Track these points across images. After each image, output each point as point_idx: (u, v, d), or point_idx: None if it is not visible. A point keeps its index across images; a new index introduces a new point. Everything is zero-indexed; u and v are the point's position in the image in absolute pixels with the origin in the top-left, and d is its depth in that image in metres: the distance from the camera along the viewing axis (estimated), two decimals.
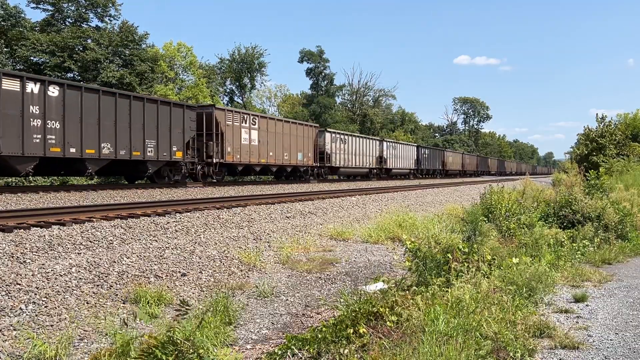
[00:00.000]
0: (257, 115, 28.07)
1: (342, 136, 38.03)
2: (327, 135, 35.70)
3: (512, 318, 4.76)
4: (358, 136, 41.97)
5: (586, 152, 36.86)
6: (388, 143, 46.27)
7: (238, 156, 25.78)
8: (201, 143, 23.79)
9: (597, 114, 78.20)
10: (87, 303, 5.84)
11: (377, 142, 44.40)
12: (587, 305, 6.43)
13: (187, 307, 4.03)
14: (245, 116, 26.86)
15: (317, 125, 37.52)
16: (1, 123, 14.75)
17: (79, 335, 5.01)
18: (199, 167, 23.66)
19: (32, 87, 15.70)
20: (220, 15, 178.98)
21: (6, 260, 6.68)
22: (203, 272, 7.59)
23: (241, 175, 30.05)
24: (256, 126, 27.36)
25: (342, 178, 41.26)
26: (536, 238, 9.38)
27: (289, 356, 4.21)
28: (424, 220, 12.60)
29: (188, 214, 11.46)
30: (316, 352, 4.27)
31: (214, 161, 24.12)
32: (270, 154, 28.60)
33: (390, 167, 46.45)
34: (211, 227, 10.55)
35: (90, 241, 8.12)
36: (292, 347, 4.27)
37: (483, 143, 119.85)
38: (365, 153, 41.96)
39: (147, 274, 7.04)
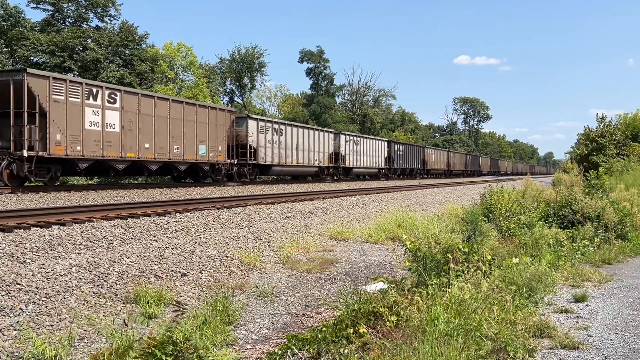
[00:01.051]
0: (119, 90, 19.53)
1: (278, 126, 30.19)
2: (251, 123, 27.26)
3: (512, 318, 4.76)
4: (302, 126, 33.91)
5: (586, 152, 36.87)
6: (347, 137, 38.47)
7: (78, 148, 17.37)
8: (7, 126, 15.80)
9: (597, 114, 77.26)
10: (87, 303, 5.84)
11: (332, 135, 36.63)
12: (587, 305, 6.43)
13: (183, 309, 4.03)
14: (95, 90, 18.22)
15: (234, 109, 30.58)
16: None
17: (79, 335, 5.01)
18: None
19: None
20: (220, 15, 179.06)
21: (6, 260, 6.68)
22: (203, 272, 7.59)
23: (97, 175, 23.54)
24: (117, 105, 18.97)
25: (273, 179, 34.69)
26: (536, 238, 9.38)
27: (289, 356, 4.21)
28: (424, 220, 12.60)
29: (188, 213, 11.46)
30: (316, 352, 4.27)
31: (27, 155, 15.67)
32: (146, 145, 20.30)
33: (351, 165, 38.78)
34: (211, 227, 10.55)
35: (90, 241, 8.12)
36: (292, 347, 4.27)
37: (483, 143, 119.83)
38: (313, 148, 33.88)
39: (147, 274, 7.04)
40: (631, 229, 11.94)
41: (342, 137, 37.66)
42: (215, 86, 49.62)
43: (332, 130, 38.83)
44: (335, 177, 36.83)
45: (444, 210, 16.45)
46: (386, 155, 45.17)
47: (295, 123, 34.99)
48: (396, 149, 47.21)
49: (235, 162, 25.88)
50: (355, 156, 39.38)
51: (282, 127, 30.48)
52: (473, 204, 16.23)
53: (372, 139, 43.78)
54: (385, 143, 45.85)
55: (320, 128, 37.39)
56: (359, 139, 40.57)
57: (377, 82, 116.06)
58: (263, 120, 29.18)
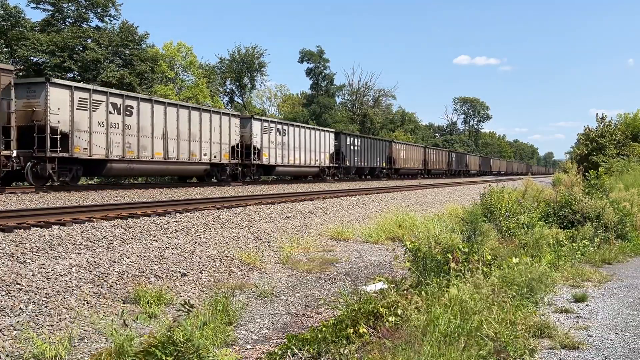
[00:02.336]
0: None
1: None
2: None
3: (513, 318, 4.76)
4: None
5: (586, 152, 36.86)
6: (260, 123, 28.18)
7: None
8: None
9: (597, 114, 75.44)
10: (87, 303, 5.84)
11: (236, 120, 26.67)
12: (587, 305, 6.42)
13: (189, 309, 4.04)
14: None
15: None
16: None
17: (79, 335, 5.01)
18: None
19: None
20: (220, 15, 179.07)
21: (6, 260, 6.68)
22: (203, 272, 7.59)
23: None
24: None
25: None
26: (536, 238, 9.38)
27: (289, 356, 4.21)
28: (424, 220, 12.60)
29: (188, 214, 11.46)
30: (316, 352, 4.27)
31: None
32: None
33: (274, 162, 29.08)
34: (211, 227, 10.55)
35: (90, 241, 8.12)
36: (292, 347, 4.27)
37: (483, 143, 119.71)
38: (206, 137, 24.70)
39: (147, 274, 7.04)
40: (631, 229, 11.94)
41: (255, 123, 27.92)
42: (215, 86, 49.61)
43: (234, 113, 28.76)
44: (235, 177, 26.87)
45: (444, 210, 16.45)
46: (333, 151, 36.07)
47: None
48: (347, 142, 38.33)
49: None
50: (281, 152, 29.59)
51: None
52: (473, 203, 16.23)
53: (306, 127, 33.67)
54: (331, 135, 36.45)
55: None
56: (286, 127, 30.54)
57: (377, 82, 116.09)
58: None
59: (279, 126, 29.55)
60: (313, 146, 33.56)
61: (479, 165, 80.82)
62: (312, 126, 36.11)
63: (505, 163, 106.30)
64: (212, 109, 25.12)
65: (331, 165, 36.16)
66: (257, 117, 29.25)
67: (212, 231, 10.27)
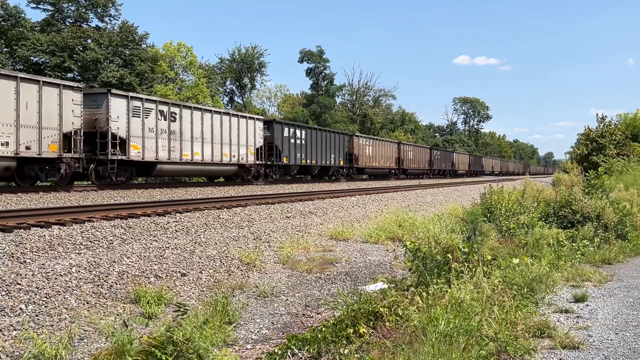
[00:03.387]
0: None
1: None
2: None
3: (513, 318, 4.76)
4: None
5: (586, 152, 36.87)
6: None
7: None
8: None
9: (597, 114, 74.19)
10: (87, 303, 5.84)
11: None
12: (587, 305, 6.43)
13: (184, 309, 4.04)
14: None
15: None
16: None
17: (79, 335, 5.01)
18: None
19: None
20: (220, 15, 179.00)
21: (6, 260, 6.68)
22: (203, 272, 7.59)
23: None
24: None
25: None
26: (536, 238, 9.39)
27: (289, 356, 4.21)
28: (424, 220, 12.60)
29: (188, 213, 11.46)
30: (316, 352, 4.27)
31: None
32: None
33: (153, 158, 21.02)
34: (211, 227, 10.55)
35: (90, 241, 8.12)
36: (292, 347, 4.27)
37: (483, 143, 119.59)
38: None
39: (147, 274, 7.04)
40: (631, 229, 11.94)
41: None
42: (215, 86, 49.62)
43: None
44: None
45: (444, 210, 16.45)
46: (260, 144, 27.82)
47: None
48: (286, 134, 29.84)
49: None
50: (166, 142, 21.49)
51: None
52: (473, 203, 16.24)
53: (206, 110, 24.44)
54: (257, 123, 27.80)
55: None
56: (177, 109, 22.23)
57: (377, 82, 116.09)
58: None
59: (165, 107, 21.58)
60: (227, 137, 25.09)
61: (468, 165, 72.21)
62: (219, 109, 27.79)
63: (499, 162, 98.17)
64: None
65: (258, 162, 27.47)
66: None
67: (212, 231, 10.27)
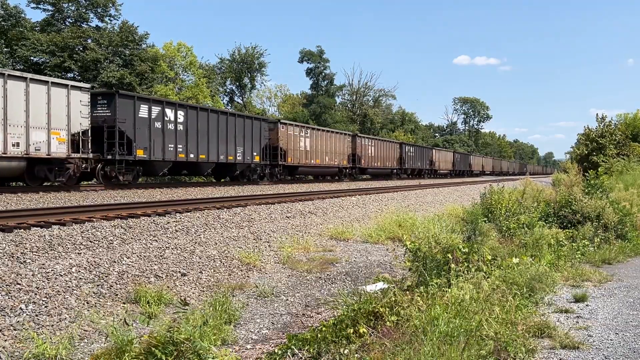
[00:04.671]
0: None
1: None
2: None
3: (513, 318, 4.76)
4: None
5: (586, 152, 36.86)
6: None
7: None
8: None
9: (597, 114, 72.64)
10: (87, 303, 5.84)
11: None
12: (587, 305, 6.43)
13: (184, 306, 4.04)
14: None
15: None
16: None
17: (80, 335, 5.01)
18: None
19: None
20: (220, 15, 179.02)
21: (6, 260, 6.68)
22: (203, 272, 7.59)
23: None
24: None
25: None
26: (536, 238, 9.39)
27: (289, 356, 4.21)
28: (424, 220, 12.60)
29: (188, 213, 11.46)
30: (316, 352, 4.27)
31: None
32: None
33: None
34: (211, 227, 10.55)
35: (90, 241, 8.12)
36: (293, 347, 4.27)
37: (483, 143, 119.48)
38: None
39: (147, 274, 7.04)
40: (631, 229, 11.94)
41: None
42: (215, 86, 49.60)
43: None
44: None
45: (444, 210, 16.45)
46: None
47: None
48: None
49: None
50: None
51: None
52: (473, 203, 16.24)
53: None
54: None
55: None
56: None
57: (377, 82, 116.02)
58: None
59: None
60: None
61: (451, 164, 63.35)
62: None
63: (491, 161, 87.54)
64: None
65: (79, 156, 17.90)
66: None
67: (212, 231, 10.27)
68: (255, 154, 26.62)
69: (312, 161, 32.68)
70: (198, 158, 22.73)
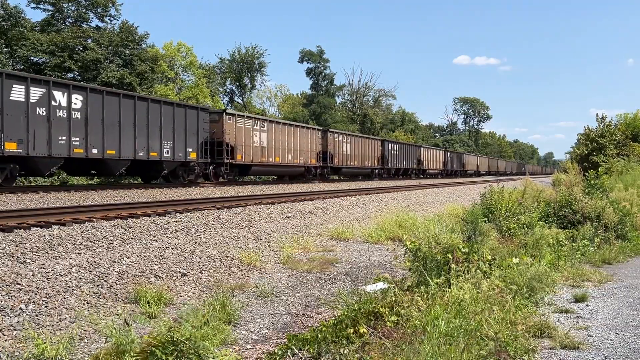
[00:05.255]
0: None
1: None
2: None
3: (513, 318, 4.76)
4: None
5: (586, 152, 36.86)
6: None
7: None
8: None
9: (597, 114, 71.54)
10: (88, 303, 5.84)
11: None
12: (587, 305, 6.43)
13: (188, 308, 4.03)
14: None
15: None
16: None
17: (80, 335, 5.01)
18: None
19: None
20: (220, 15, 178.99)
21: (6, 260, 6.68)
22: (203, 272, 7.59)
23: None
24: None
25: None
26: (536, 238, 9.39)
27: (289, 356, 4.21)
28: (424, 220, 12.60)
29: (188, 214, 11.46)
30: (316, 352, 4.27)
31: None
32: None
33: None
34: (211, 227, 10.55)
35: (90, 241, 8.12)
36: (293, 347, 4.27)
37: (483, 143, 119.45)
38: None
39: (147, 274, 7.04)
40: (631, 229, 11.95)
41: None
42: (215, 86, 49.62)
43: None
44: None
45: (444, 210, 16.45)
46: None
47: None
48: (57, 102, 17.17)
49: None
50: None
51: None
52: (473, 203, 16.24)
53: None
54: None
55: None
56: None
57: (377, 82, 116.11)
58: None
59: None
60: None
61: (442, 163, 59.33)
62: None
63: (486, 161, 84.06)
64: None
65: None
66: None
67: (212, 231, 10.27)
68: (190, 150, 22.23)
69: (270, 159, 28.24)
70: (104, 154, 18.26)
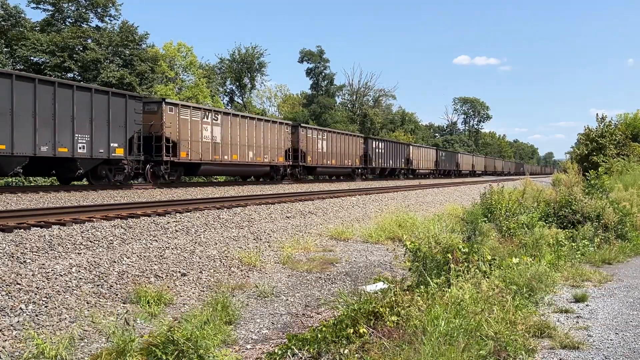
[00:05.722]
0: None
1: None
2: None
3: (513, 318, 4.76)
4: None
5: (586, 152, 36.84)
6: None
7: None
8: None
9: (597, 114, 71.24)
10: (88, 303, 5.84)
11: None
12: (587, 305, 6.43)
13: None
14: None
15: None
16: None
17: (80, 335, 5.01)
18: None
19: None
20: (220, 15, 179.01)
21: (6, 260, 6.68)
22: (203, 272, 7.59)
23: None
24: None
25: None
26: (536, 238, 9.38)
27: (289, 356, 4.21)
28: (424, 220, 12.59)
29: (188, 214, 11.46)
30: (316, 352, 4.27)
31: None
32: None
33: None
34: (211, 227, 10.55)
35: (90, 241, 8.12)
36: (293, 347, 4.27)
37: (483, 143, 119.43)
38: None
39: (147, 274, 7.04)
40: (631, 229, 11.94)
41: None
42: (215, 86, 49.62)
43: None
44: None
45: (444, 210, 16.45)
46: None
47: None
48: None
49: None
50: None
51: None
52: (473, 203, 16.24)
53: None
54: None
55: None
56: None
57: (377, 82, 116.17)
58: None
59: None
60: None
61: (434, 162, 56.54)
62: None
63: (482, 160, 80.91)
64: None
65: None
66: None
67: (212, 231, 10.27)
68: (115, 145, 18.54)
69: (225, 157, 24.67)
70: None
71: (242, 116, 26.96)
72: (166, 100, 21.54)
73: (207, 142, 23.43)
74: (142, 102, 20.57)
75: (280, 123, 30.14)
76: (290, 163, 30.47)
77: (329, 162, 35.02)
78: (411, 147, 51.29)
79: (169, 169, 21.50)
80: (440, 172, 58.97)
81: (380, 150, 43.46)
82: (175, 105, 22.01)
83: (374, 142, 42.74)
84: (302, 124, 33.91)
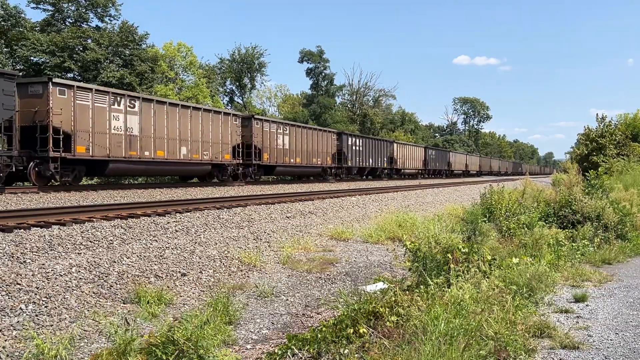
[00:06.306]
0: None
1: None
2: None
3: (513, 318, 4.76)
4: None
5: (586, 152, 36.84)
6: None
7: None
8: None
9: (597, 114, 70.08)
10: (87, 303, 5.84)
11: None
12: (587, 305, 6.42)
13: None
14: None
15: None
16: None
17: (79, 335, 5.00)
18: None
19: None
20: (220, 15, 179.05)
21: (6, 260, 6.68)
22: (203, 272, 7.59)
23: None
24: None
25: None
26: (536, 238, 9.38)
27: (289, 356, 4.21)
28: (424, 220, 12.59)
29: (188, 214, 11.46)
30: (316, 352, 4.27)
31: None
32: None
33: None
34: (211, 227, 10.55)
35: (90, 241, 8.12)
36: (292, 347, 4.27)
37: (483, 143, 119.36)
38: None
39: (147, 274, 7.04)
40: (631, 229, 11.93)
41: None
42: (215, 86, 49.59)
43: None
44: None
45: (444, 210, 16.44)
46: None
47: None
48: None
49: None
50: None
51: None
52: (473, 203, 16.23)
53: None
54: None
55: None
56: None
57: (377, 82, 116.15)
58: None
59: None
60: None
61: (422, 162, 52.49)
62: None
63: (477, 160, 77.00)
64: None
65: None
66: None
67: (212, 231, 10.27)
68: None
69: (146, 153, 20.10)
70: None
71: (171, 104, 21.98)
72: (54, 81, 16.92)
73: (118, 134, 18.85)
74: (17, 82, 15.88)
75: (226, 114, 25.37)
76: (241, 161, 26.14)
77: (292, 160, 30.70)
78: (395, 144, 47.04)
79: (60, 168, 17.07)
80: (430, 172, 55.41)
81: (357, 148, 39.31)
82: (70, 87, 17.35)
83: (349, 139, 38.52)
84: (256, 116, 29.08)
